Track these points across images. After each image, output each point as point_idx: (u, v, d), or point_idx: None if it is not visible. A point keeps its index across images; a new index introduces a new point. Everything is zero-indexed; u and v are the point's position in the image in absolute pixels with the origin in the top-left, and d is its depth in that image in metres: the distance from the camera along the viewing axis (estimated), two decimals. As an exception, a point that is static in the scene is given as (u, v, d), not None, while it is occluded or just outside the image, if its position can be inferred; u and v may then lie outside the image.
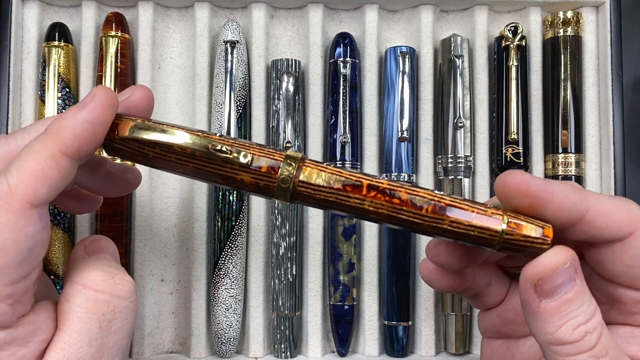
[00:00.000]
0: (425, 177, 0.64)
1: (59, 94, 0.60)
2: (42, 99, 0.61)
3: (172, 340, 0.64)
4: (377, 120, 0.64)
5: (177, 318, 0.64)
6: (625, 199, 0.38)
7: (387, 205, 0.36)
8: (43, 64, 0.61)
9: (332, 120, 0.63)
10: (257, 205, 0.63)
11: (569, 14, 0.64)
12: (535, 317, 0.34)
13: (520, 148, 0.63)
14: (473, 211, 0.36)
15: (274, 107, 0.63)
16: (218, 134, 0.38)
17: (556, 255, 0.34)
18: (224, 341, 0.61)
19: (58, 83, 0.60)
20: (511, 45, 0.63)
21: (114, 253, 0.41)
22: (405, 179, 0.62)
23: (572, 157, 0.63)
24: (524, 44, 0.64)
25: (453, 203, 0.36)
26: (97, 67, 0.62)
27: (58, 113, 0.59)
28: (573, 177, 0.63)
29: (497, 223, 0.35)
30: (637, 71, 0.63)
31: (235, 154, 0.36)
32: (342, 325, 0.63)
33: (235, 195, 0.61)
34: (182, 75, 0.65)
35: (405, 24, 0.67)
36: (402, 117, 0.63)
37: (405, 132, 0.62)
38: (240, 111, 0.62)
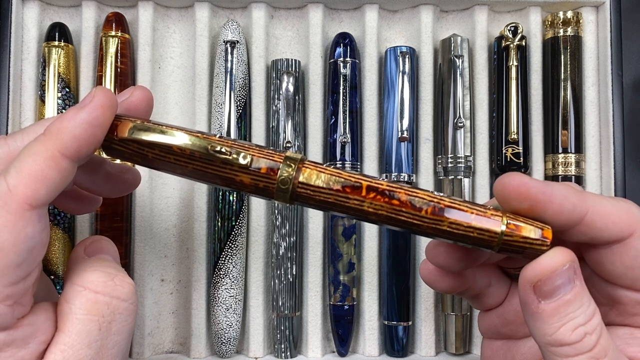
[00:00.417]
0: (425, 177, 0.64)
1: (59, 94, 0.60)
2: (42, 99, 0.61)
3: (172, 340, 0.64)
4: (377, 120, 0.64)
5: (177, 318, 0.64)
6: (625, 200, 0.38)
7: (387, 206, 0.36)
8: (43, 64, 0.61)
9: (332, 120, 0.63)
10: (257, 205, 0.63)
11: (569, 14, 0.64)
12: (535, 318, 0.34)
13: (520, 148, 0.63)
14: (472, 212, 0.36)
15: (274, 107, 0.63)
16: (218, 135, 0.38)
17: (555, 257, 0.34)
18: (224, 341, 0.61)
19: (58, 83, 0.60)
20: (511, 45, 0.63)
21: (114, 254, 0.41)
22: (405, 179, 0.62)
23: (572, 157, 0.63)
24: (524, 44, 0.64)
25: (452, 204, 0.36)
26: (97, 67, 0.62)
27: (58, 113, 0.59)
28: (573, 177, 0.63)
29: (497, 224, 0.35)
30: (637, 71, 0.63)
31: (234, 155, 0.37)
32: (342, 325, 0.63)
33: (235, 195, 0.61)
34: (182, 75, 0.65)
35: (405, 24, 0.67)
36: (402, 117, 0.63)
37: (405, 132, 0.62)
38: (240, 111, 0.62)
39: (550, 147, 0.64)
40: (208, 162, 0.37)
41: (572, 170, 0.63)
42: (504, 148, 0.63)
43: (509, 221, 0.35)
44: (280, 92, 0.63)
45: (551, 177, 0.64)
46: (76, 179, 0.41)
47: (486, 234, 0.35)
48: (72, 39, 0.63)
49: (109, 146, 0.38)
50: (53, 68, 0.61)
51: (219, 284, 0.61)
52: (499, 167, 0.63)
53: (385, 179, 0.37)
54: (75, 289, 0.36)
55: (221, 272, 0.61)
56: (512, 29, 0.64)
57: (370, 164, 0.64)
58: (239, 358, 0.63)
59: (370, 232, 0.63)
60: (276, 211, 0.62)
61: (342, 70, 0.63)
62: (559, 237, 0.37)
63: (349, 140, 0.63)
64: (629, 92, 0.63)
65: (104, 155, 0.41)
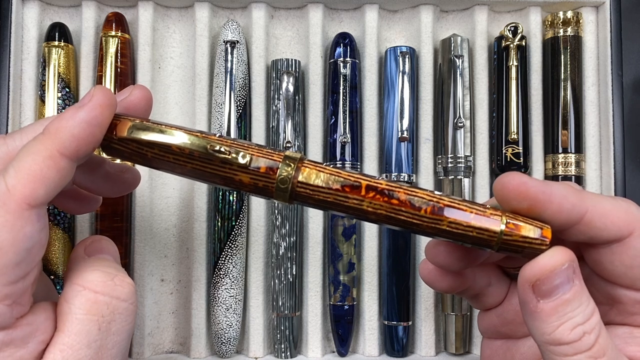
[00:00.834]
0: (425, 177, 0.64)
1: (59, 94, 0.60)
2: (42, 99, 0.61)
3: (172, 340, 0.64)
4: (377, 120, 0.64)
5: (177, 318, 0.64)
6: (624, 199, 0.38)
7: (386, 205, 0.36)
8: (43, 64, 0.61)
9: (332, 120, 0.63)
10: (257, 205, 0.63)
11: (569, 14, 0.64)
12: (533, 317, 0.34)
13: (520, 148, 0.63)
14: (472, 212, 0.36)
15: (274, 107, 0.63)
16: (217, 135, 0.38)
17: (554, 256, 0.34)
18: (224, 341, 0.61)
19: (58, 83, 0.60)
20: (511, 45, 0.63)
21: (115, 254, 0.41)
22: (405, 179, 0.62)
23: (572, 157, 0.63)
24: (524, 44, 0.64)
25: (452, 204, 0.36)
26: (97, 67, 0.62)
27: (58, 113, 0.59)
28: (573, 177, 0.63)
29: (496, 224, 0.35)
30: (637, 71, 0.63)
31: (233, 155, 0.37)
32: (342, 325, 0.63)
33: (235, 195, 0.61)
34: (182, 75, 0.65)
35: (405, 24, 0.67)
36: (402, 117, 0.63)
37: (405, 132, 0.62)
38: (240, 111, 0.62)
39: (550, 147, 0.64)
40: (207, 161, 0.37)
41: (572, 170, 0.63)
42: (504, 148, 0.63)
43: (508, 220, 0.35)
44: (280, 92, 0.63)
45: (551, 177, 0.64)
46: (76, 178, 0.41)
47: (485, 234, 0.35)
48: (72, 39, 0.63)
49: (108, 145, 0.38)
50: (53, 68, 0.61)
51: (219, 284, 0.61)
52: (499, 167, 0.63)
53: (385, 179, 0.37)
54: (75, 289, 0.36)
55: (221, 272, 0.61)
56: (512, 29, 0.64)
57: (370, 164, 0.64)
58: (239, 358, 0.63)
59: (370, 232, 0.63)
60: (276, 211, 0.62)
61: (342, 70, 0.63)
62: (559, 237, 0.37)
63: (349, 140, 0.63)
64: (629, 92, 0.63)
65: (104, 155, 0.41)
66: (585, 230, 0.36)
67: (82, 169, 0.40)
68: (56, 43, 0.61)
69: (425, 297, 0.63)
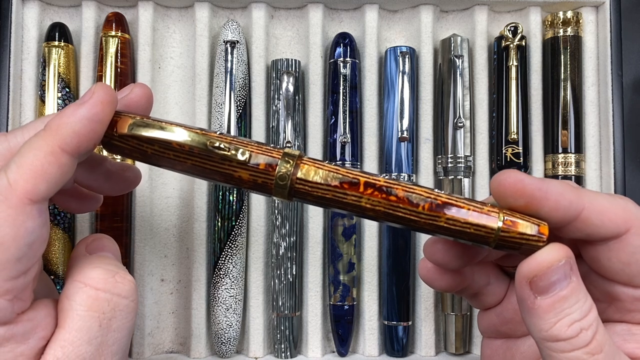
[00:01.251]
0: (425, 177, 0.64)
1: (59, 94, 0.60)
2: (42, 99, 0.61)
3: (172, 340, 0.64)
4: (377, 120, 0.64)
5: (177, 318, 0.64)
6: (621, 196, 0.38)
7: (384, 202, 0.36)
8: (43, 64, 0.61)
9: (332, 120, 0.63)
10: (257, 205, 0.63)
11: (569, 14, 0.64)
12: (531, 313, 0.35)
13: (520, 148, 0.63)
14: (469, 209, 0.36)
15: (274, 107, 0.63)
16: (218, 133, 0.38)
17: (551, 253, 0.34)
18: (224, 341, 0.61)
19: (58, 83, 0.61)
20: (511, 45, 0.63)
21: (116, 252, 0.41)
22: (405, 179, 0.62)
23: (572, 157, 0.63)
24: (524, 44, 0.64)
25: (450, 200, 0.36)
26: (97, 67, 0.62)
27: (58, 113, 0.60)
28: (573, 177, 0.63)
29: (493, 220, 0.35)
30: (637, 71, 0.63)
31: (233, 151, 0.37)
32: (342, 325, 0.63)
33: (235, 195, 0.61)
34: (182, 75, 0.66)
35: (405, 24, 0.67)
36: (402, 117, 0.63)
37: (405, 132, 0.62)
38: (240, 111, 0.62)
39: (550, 147, 0.64)
40: (207, 158, 0.37)
41: (572, 170, 0.63)
42: (503, 148, 0.63)
43: (505, 217, 0.35)
44: (280, 92, 0.63)
45: (551, 177, 0.64)
46: (77, 176, 0.41)
47: (483, 230, 0.35)
48: (72, 39, 0.63)
49: (108, 142, 0.38)
50: (53, 68, 0.61)
51: (219, 284, 0.61)
52: (499, 167, 0.63)
53: (385, 177, 0.37)
54: (76, 286, 0.36)
55: (221, 272, 0.61)
56: (512, 29, 0.64)
57: (370, 164, 0.64)
58: (239, 358, 0.63)
59: (370, 232, 0.63)
60: (276, 211, 0.62)
61: (342, 70, 0.63)
62: (556, 234, 0.37)
63: (349, 140, 0.63)
64: (629, 92, 0.63)
65: (105, 153, 0.41)
66: (582, 228, 0.36)
67: (83, 167, 0.40)
68: (56, 43, 0.61)
69: (425, 297, 0.63)
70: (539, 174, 0.64)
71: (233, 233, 0.61)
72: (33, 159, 0.33)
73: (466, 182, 0.63)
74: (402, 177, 0.62)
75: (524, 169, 0.63)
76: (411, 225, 0.36)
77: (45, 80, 0.61)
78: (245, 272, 0.63)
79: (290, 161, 0.37)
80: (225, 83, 0.62)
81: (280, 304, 0.62)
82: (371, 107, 0.64)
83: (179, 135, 0.37)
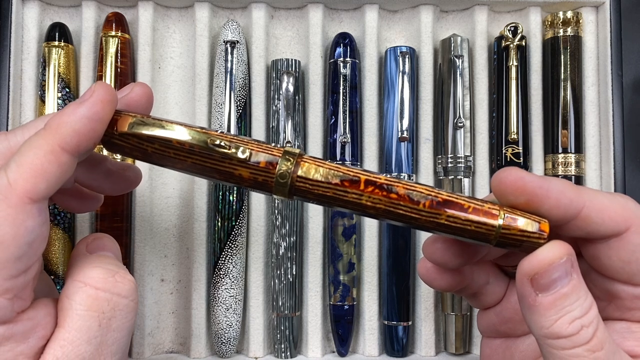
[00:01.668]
0: (425, 177, 0.64)
1: (59, 94, 0.60)
2: (42, 99, 0.61)
3: (172, 340, 0.64)
4: (377, 120, 0.64)
5: (177, 318, 0.64)
6: (621, 195, 0.38)
7: (385, 200, 0.36)
8: (43, 64, 0.61)
9: (332, 120, 0.63)
10: (257, 205, 0.63)
11: (569, 14, 0.64)
12: (532, 311, 0.35)
13: (520, 148, 0.63)
14: (470, 206, 0.36)
15: (274, 107, 0.63)
16: (219, 132, 0.38)
17: (552, 250, 0.34)
18: (224, 341, 0.61)
19: (58, 83, 0.61)
20: (511, 45, 0.63)
21: (116, 251, 0.41)
22: (405, 179, 0.62)
23: (572, 157, 0.63)
24: (524, 44, 0.64)
25: (450, 198, 0.36)
26: (97, 67, 0.62)
27: (58, 112, 0.60)
28: (573, 177, 0.63)
29: (494, 218, 0.35)
30: (637, 71, 0.63)
31: (233, 149, 0.37)
32: (342, 325, 0.63)
33: (235, 195, 0.61)
34: (182, 75, 0.66)
35: (405, 24, 0.67)
36: (402, 117, 0.63)
37: (405, 132, 0.62)
38: (240, 111, 0.62)
39: (550, 147, 0.64)
40: (207, 156, 0.37)
41: (572, 170, 0.63)
42: (504, 148, 0.63)
43: (506, 214, 0.35)
44: (280, 92, 0.63)
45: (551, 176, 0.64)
46: (78, 176, 0.41)
47: (484, 227, 0.35)
48: (72, 39, 0.63)
49: (108, 141, 0.38)
50: (53, 68, 0.61)
51: (219, 284, 0.61)
52: (499, 167, 0.63)
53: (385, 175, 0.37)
54: (76, 285, 0.36)
55: (221, 272, 0.61)
56: (512, 29, 0.64)
57: (370, 164, 0.64)
58: (239, 358, 0.63)
59: (370, 232, 0.63)
60: (276, 211, 0.62)
61: (342, 70, 0.63)
62: (556, 232, 0.37)
63: (349, 140, 0.63)
64: (629, 92, 0.63)
65: (105, 152, 0.41)
66: (582, 226, 0.36)
67: (84, 166, 0.40)
68: (56, 43, 0.61)
69: (425, 297, 0.63)
70: (539, 174, 0.64)
71: (233, 233, 0.61)
72: (33, 158, 0.33)
73: (466, 182, 0.63)
74: (402, 177, 0.62)
75: (524, 169, 0.63)
76: (412, 223, 0.36)
77: (45, 80, 0.61)
78: (245, 272, 0.63)
79: (291, 159, 0.37)
80: (225, 83, 0.62)
81: (280, 304, 0.62)
82: (371, 107, 0.64)
83: (179, 134, 0.37)
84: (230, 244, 0.61)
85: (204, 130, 0.37)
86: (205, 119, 0.63)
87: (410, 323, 0.63)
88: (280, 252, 0.62)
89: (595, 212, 0.36)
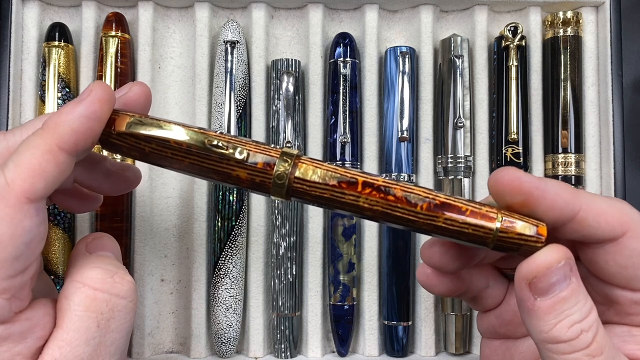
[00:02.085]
0: (425, 177, 0.64)
1: (59, 94, 0.60)
2: (42, 99, 0.61)
3: (172, 340, 0.64)
4: (377, 120, 0.64)
5: (177, 318, 0.64)
6: (618, 199, 0.38)
7: (382, 202, 0.36)
8: (43, 64, 0.61)
9: (332, 120, 0.63)
10: (257, 205, 0.63)
11: (569, 14, 0.64)
12: (531, 315, 0.34)
13: (520, 148, 0.63)
14: (467, 209, 0.36)
15: (274, 107, 0.63)
16: (218, 132, 0.38)
17: (551, 254, 0.34)
18: (224, 341, 0.61)
19: (58, 83, 0.61)
20: (511, 45, 0.63)
21: (116, 251, 0.41)
22: (405, 179, 0.62)
23: (572, 157, 0.63)
24: (524, 44, 0.64)
25: (448, 200, 0.36)
26: (97, 67, 0.62)
27: (58, 112, 0.60)
28: (573, 177, 0.63)
29: (492, 221, 0.35)
30: (637, 71, 0.63)
31: (231, 150, 0.37)
32: (342, 325, 0.63)
33: (235, 195, 0.61)
34: (182, 75, 0.66)
35: (405, 24, 0.67)
36: (402, 117, 0.63)
37: (405, 132, 0.62)
38: (240, 111, 0.62)
39: (550, 147, 0.64)
40: (205, 156, 0.37)
41: (572, 170, 0.63)
42: (503, 148, 0.63)
43: (504, 217, 0.35)
44: (280, 92, 0.63)
45: (551, 177, 0.64)
46: (77, 176, 0.41)
47: (481, 230, 0.35)
48: (72, 39, 0.63)
49: (106, 140, 0.38)
50: (53, 68, 0.61)
51: (219, 284, 0.61)
52: (499, 167, 0.63)
53: (382, 176, 0.37)
54: (74, 285, 0.36)
55: (221, 272, 0.61)
56: (512, 29, 0.64)
57: (370, 164, 0.64)
58: (239, 358, 0.63)
59: (370, 232, 0.63)
60: (276, 211, 0.62)
61: (342, 70, 0.63)
62: (553, 235, 0.37)
63: (349, 140, 0.63)
64: (629, 92, 0.63)
65: (104, 152, 0.41)
66: (578, 229, 0.36)
67: (83, 166, 0.40)
68: (56, 43, 0.61)
69: (425, 297, 0.63)
70: (539, 174, 0.64)
71: (233, 233, 0.61)
72: (30, 157, 0.33)
73: (466, 182, 0.63)
74: (402, 177, 0.62)
75: (524, 169, 0.63)
76: (409, 226, 0.36)
77: (45, 80, 0.61)
78: (245, 272, 0.63)
79: (288, 160, 0.37)
80: (225, 83, 0.62)
81: (280, 304, 0.62)
82: (371, 107, 0.64)
83: (177, 134, 0.37)
84: (230, 244, 0.61)
85: (201, 131, 0.37)
86: (205, 119, 0.63)
87: (410, 323, 0.63)
88: (280, 252, 0.62)
89: (592, 216, 0.36)
